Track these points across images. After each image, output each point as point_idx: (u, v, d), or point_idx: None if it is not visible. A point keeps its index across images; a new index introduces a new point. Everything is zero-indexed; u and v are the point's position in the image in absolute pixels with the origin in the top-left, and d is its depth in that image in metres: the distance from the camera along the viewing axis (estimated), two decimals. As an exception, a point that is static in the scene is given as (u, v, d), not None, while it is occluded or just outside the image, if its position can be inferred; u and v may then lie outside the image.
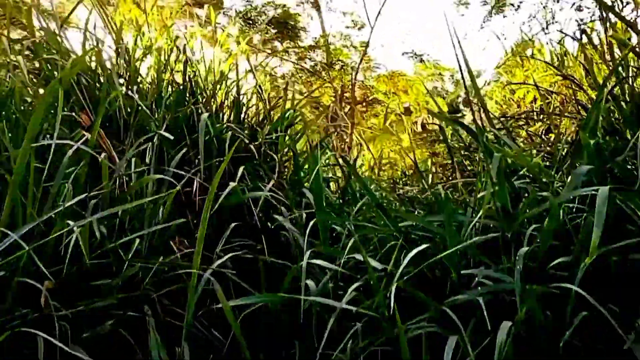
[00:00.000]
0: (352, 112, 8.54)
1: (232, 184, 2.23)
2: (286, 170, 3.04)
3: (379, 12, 8.42)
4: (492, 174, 1.57)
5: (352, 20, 9.65)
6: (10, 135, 2.27)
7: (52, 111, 2.73)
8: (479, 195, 1.90)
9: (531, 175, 2.13)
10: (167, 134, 2.50)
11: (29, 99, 2.72)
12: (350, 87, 5.58)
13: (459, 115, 8.26)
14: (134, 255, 1.97)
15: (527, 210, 1.69)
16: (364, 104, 10.35)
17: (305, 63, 8.69)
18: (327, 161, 3.80)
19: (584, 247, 1.45)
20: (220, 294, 1.53)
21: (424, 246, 1.57)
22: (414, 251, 1.53)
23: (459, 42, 2.57)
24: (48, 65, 3.08)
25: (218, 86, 3.36)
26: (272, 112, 3.38)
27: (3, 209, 1.77)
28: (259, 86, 3.44)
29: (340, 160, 3.55)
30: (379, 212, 1.79)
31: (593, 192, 1.51)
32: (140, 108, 2.82)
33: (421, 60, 9.15)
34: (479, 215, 1.69)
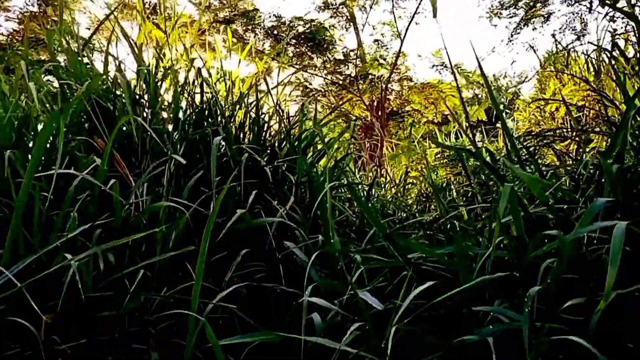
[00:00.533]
0: (383, 125, 8.45)
1: (239, 211, 2.18)
2: (304, 192, 2.99)
3: (409, 24, 8.34)
4: (501, 207, 1.48)
5: (382, 34, 9.59)
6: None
7: (70, 135, 2.75)
8: (493, 225, 1.81)
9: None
10: (179, 158, 2.47)
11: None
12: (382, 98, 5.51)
13: (491, 127, 8.08)
14: (143, 282, 1.94)
15: (542, 243, 1.59)
16: (398, 114, 10.25)
17: (336, 77, 8.64)
18: (350, 178, 3.73)
19: (599, 285, 1.35)
20: (209, 335, 1.47)
21: (429, 283, 1.49)
22: (419, 288, 1.46)
23: (478, 61, 2.49)
24: (66, 88, 3.10)
25: (237, 107, 3.33)
26: (291, 131, 3.33)
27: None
28: (279, 105, 3.40)
29: (359, 177, 3.48)
30: (387, 244, 1.72)
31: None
32: (156, 131, 2.81)
33: (452, 73, 8.99)
34: (490, 250, 1.60)
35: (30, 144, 2.52)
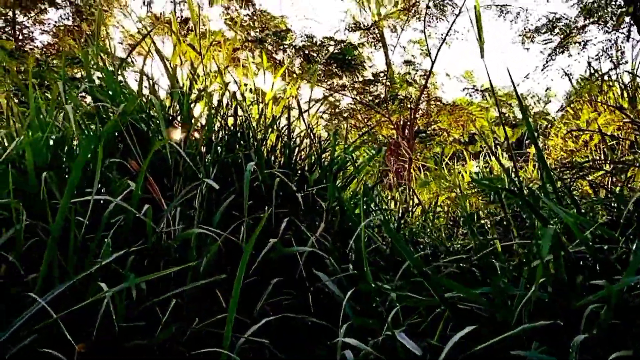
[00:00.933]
0: (411, 147, 8.41)
1: (272, 241, 2.17)
2: (334, 218, 2.97)
3: (440, 45, 8.32)
4: (544, 249, 1.45)
5: (413, 56, 9.59)
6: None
7: (103, 156, 2.77)
8: (532, 265, 1.77)
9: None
10: (212, 183, 2.47)
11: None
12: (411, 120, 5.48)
13: (520, 152, 7.97)
14: (174, 310, 1.93)
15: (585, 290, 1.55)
16: (425, 133, 10.21)
17: (365, 97, 8.64)
18: (380, 203, 3.70)
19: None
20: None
21: (468, 329, 1.45)
22: (459, 335, 1.42)
23: (515, 87, 2.46)
24: (100, 107, 3.14)
25: (269, 130, 3.34)
26: (322, 156, 3.32)
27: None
28: (310, 129, 3.39)
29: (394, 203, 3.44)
30: (422, 281, 1.69)
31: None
32: (189, 154, 2.83)
33: (483, 96, 8.95)
34: (531, 291, 1.56)
35: (66, 166, 2.54)
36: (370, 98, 8.65)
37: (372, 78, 8.71)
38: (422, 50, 10.86)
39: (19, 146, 2.39)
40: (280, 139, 3.41)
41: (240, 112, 3.33)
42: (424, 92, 8.25)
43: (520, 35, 9.44)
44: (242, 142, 3.19)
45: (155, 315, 1.94)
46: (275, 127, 3.42)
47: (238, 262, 2.37)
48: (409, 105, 8.41)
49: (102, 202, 2.36)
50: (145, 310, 1.93)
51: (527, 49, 9.64)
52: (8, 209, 1.99)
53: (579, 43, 7.66)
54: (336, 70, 8.21)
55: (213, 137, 3.07)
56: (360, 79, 8.47)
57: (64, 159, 2.59)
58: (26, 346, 1.55)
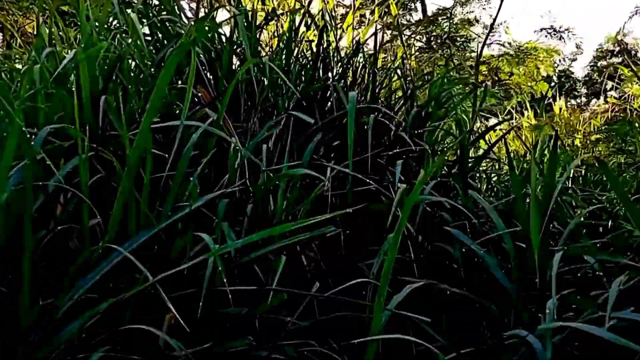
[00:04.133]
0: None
1: (402, 186, 1.75)
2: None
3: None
4: None
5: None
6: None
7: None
8: None
9: None
10: (303, 115, 2.07)
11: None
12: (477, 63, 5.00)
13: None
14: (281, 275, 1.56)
15: None
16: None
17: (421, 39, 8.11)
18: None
19: None
20: None
21: None
22: None
23: None
24: (158, 31, 2.74)
25: (352, 60, 2.90)
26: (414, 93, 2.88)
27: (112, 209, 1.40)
28: (402, 57, 2.95)
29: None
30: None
31: None
32: (266, 83, 2.42)
33: (560, 38, 8.31)
34: None
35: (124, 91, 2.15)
36: (432, 38, 8.12)
37: (432, 18, 8.14)
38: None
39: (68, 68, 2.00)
40: (365, 72, 2.98)
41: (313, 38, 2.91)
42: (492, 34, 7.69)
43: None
44: (323, 73, 2.76)
45: (253, 275, 1.57)
46: (358, 58, 2.98)
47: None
48: (470, 49, 7.87)
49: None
50: (242, 269, 1.56)
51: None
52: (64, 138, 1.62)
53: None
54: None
55: (291, 66, 2.65)
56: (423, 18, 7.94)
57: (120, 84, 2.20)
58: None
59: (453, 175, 2.21)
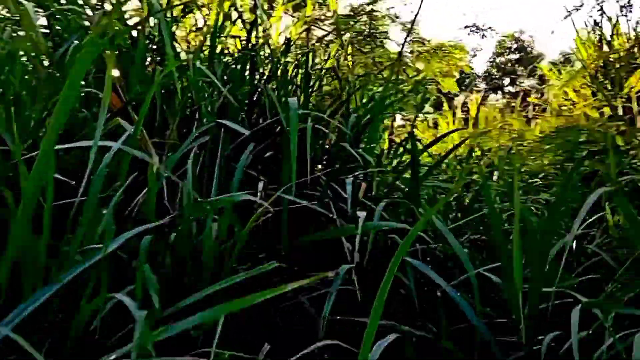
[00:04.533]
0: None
1: (361, 215, 1.50)
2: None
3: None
4: None
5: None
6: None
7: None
8: None
9: None
10: (236, 126, 1.78)
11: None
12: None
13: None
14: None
15: None
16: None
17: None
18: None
19: None
20: None
21: None
22: None
23: None
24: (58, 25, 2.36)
25: (283, 59, 2.61)
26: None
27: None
28: (336, 57, 2.70)
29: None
30: None
31: None
32: (188, 85, 2.10)
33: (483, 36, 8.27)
34: None
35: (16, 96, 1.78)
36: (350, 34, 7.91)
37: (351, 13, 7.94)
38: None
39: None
40: (291, 72, 2.70)
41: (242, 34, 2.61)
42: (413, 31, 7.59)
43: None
44: (252, 74, 2.46)
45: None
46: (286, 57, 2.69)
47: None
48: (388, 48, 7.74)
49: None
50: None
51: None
52: None
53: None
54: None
55: (215, 66, 2.33)
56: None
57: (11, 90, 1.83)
58: None
59: (406, 194, 1.99)
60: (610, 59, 5.04)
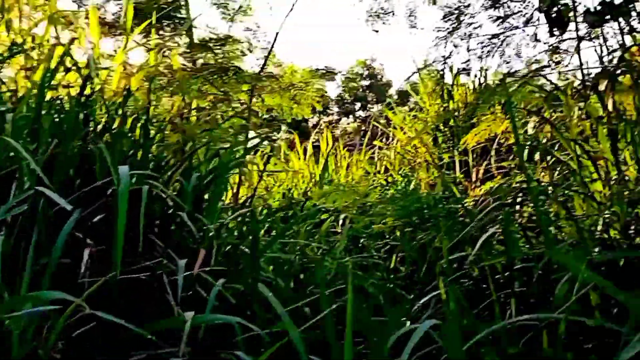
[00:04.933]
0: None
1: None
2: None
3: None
4: None
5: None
6: None
7: None
8: None
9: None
10: (59, 198, 1.62)
11: None
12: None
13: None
14: None
15: None
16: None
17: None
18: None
19: None
20: None
21: None
22: None
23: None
24: None
25: (120, 110, 2.45)
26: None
27: None
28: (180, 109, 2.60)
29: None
30: None
31: None
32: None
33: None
34: None
35: None
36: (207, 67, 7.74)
37: (202, 43, 7.77)
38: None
39: None
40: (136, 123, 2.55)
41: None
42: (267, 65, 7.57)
43: (368, 15, 9.14)
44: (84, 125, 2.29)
45: None
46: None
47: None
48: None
49: None
50: None
51: (377, 31, 9.36)
52: None
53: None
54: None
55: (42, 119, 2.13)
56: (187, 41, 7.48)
57: None
58: None
59: (245, 268, 1.92)
60: (450, 109, 5.36)
